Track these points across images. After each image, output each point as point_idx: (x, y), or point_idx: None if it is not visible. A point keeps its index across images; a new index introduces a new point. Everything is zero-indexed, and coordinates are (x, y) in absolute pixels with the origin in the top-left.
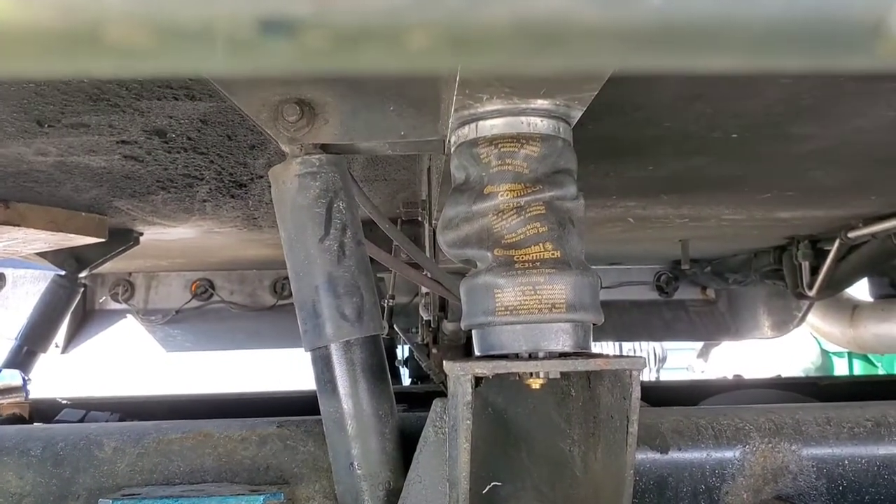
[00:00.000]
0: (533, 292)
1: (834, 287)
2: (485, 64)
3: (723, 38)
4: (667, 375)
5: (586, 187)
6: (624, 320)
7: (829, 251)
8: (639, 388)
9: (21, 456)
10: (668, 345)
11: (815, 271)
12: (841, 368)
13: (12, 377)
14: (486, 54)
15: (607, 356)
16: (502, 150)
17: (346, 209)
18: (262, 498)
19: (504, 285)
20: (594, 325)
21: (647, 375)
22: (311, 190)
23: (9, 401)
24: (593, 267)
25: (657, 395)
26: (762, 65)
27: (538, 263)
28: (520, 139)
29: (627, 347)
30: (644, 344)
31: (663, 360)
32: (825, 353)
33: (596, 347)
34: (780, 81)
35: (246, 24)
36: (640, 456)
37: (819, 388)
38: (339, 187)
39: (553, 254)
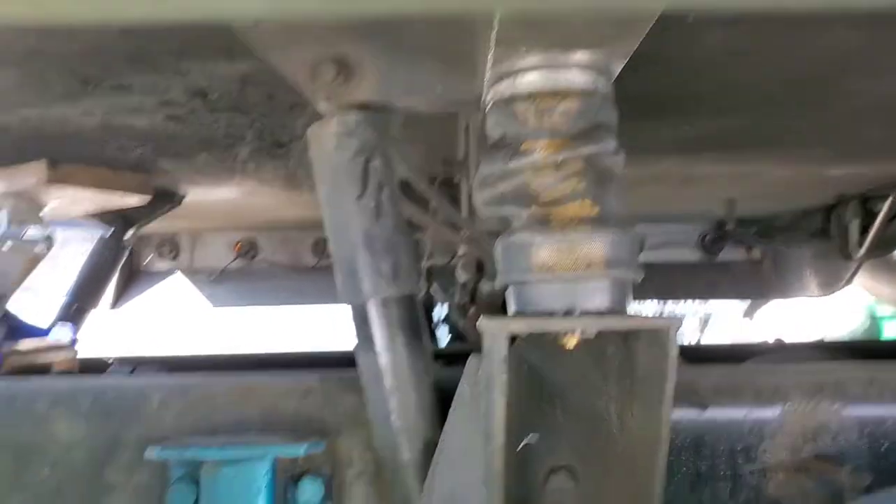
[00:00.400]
0: (569, 250)
1: (884, 247)
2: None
3: None
4: (710, 336)
5: (627, 145)
6: (667, 281)
7: (879, 210)
8: (676, 347)
9: (72, 407)
10: (712, 306)
11: (864, 231)
12: (892, 332)
13: (63, 333)
14: None
15: (644, 315)
16: (539, 105)
17: (383, 168)
18: (304, 447)
19: (540, 243)
20: (633, 283)
21: (690, 336)
22: (348, 149)
23: (60, 357)
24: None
25: (698, 356)
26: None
27: (575, 221)
28: (558, 94)
29: (670, 308)
30: (688, 305)
31: (706, 320)
32: (873, 318)
33: (638, 308)
34: (831, 32)
35: None
36: (677, 414)
37: (863, 352)
38: (376, 146)
39: (591, 210)
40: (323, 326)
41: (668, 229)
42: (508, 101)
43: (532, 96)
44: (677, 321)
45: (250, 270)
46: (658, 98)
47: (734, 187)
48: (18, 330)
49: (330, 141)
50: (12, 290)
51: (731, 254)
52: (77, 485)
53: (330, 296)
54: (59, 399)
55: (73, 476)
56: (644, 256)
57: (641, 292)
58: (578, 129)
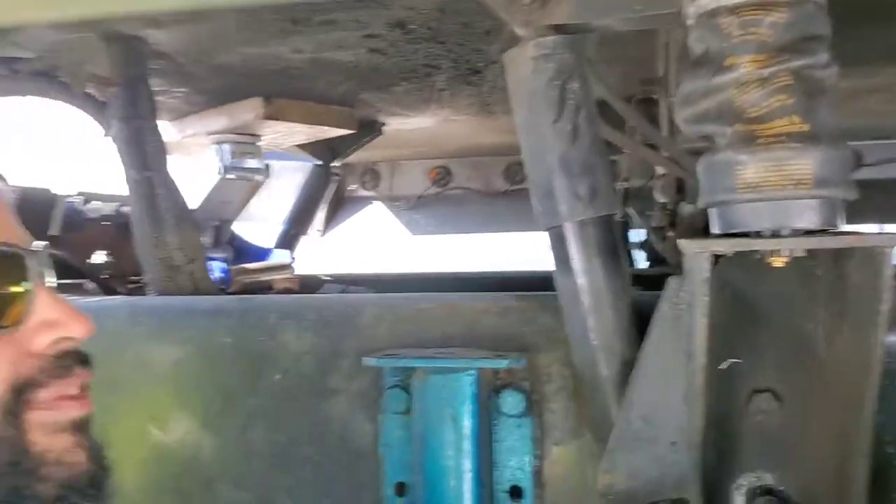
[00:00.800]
0: (777, 168)
1: None
2: None
3: None
4: None
5: (844, 54)
6: (889, 201)
7: None
8: (891, 266)
9: (298, 321)
10: None
11: None
12: None
13: (282, 256)
14: None
15: (857, 233)
16: (745, 18)
17: (579, 90)
18: (506, 362)
19: (746, 161)
20: (845, 201)
21: None
22: (544, 72)
23: (281, 276)
24: (854, 143)
25: None
26: None
27: (783, 137)
28: (765, 5)
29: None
30: None
31: None
32: None
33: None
34: None
35: None
36: (892, 338)
37: None
38: (572, 68)
39: (800, 127)
40: (515, 252)
41: (891, 144)
42: (712, 15)
43: (737, 8)
44: (892, 238)
45: (445, 197)
46: (881, 1)
47: None
48: (243, 251)
49: (527, 65)
50: (236, 216)
51: None
52: (304, 389)
53: (523, 222)
54: (288, 313)
55: (301, 381)
56: (863, 174)
57: (860, 215)
58: (787, 42)
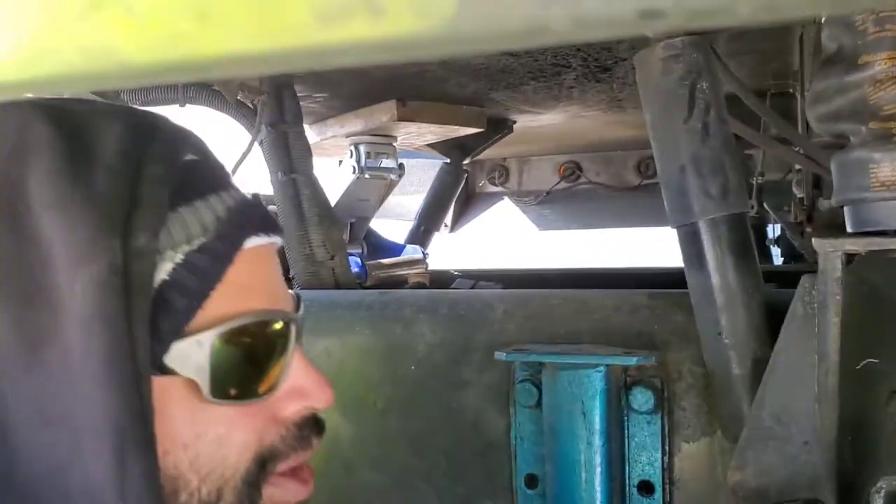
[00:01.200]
0: None
1: None
2: None
3: None
4: None
5: None
6: None
7: None
8: None
9: (432, 314)
10: None
11: None
12: None
13: (415, 251)
14: None
15: None
16: (881, 14)
17: (709, 89)
18: (635, 359)
19: (880, 160)
20: None
21: None
22: (674, 72)
23: (413, 271)
24: None
25: None
26: None
27: None
28: None
29: None
30: None
31: None
32: None
33: None
34: None
35: None
36: None
37: None
38: (702, 67)
39: None
40: (645, 247)
41: None
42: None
43: (867, 11)
44: None
45: (574, 192)
46: None
47: None
48: (378, 247)
49: (656, 66)
50: (373, 214)
51: None
52: (437, 379)
53: (654, 216)
54: (422, 307)
55: (434, 372)
56: None
57: None
58: None
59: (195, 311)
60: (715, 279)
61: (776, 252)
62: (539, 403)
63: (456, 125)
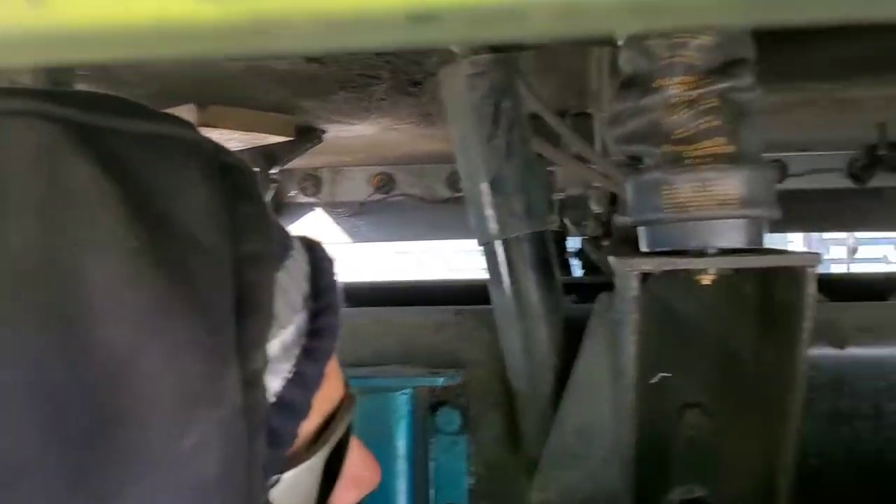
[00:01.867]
0: (703, 188)
1: None
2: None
3: None
4: (860, 267)
5: (772, 70)
6: (813, 210)
7: None
8: (814, 285)
9: None
10: (862, 235)
11: None
12: None
13: None
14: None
15: (781, 251)
16: (673, 40)
17: (513, 108)
18: (441, 379)
19: (673, 181)
20: (770, 220)
21: (839, 267)
22: (479, 90)
23: None
24: (781, 154)
25: (845, 287)
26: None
27: (710, 159)
28: (692, 28)
29: (815, 239)
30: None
31: (855, 250)
32: None
33: (780, 239)
34: None
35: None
36: (816, 352)
37: None
38: (506, 86)
39: (726, 148)
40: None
41: (817, 156)
42: (641, 37)
43: (665, 31)
44: (815, 258)
45: (388, 204)
46: None
47: (886, 111)
48: None
49: (461, 83)
50: None
51: (883, 180)
52: None
53: (465, 230)
54: None
55: None
56: (790, 184)
57: (787, 223)
58: (714, 64)
59: (298, 430)
60: (517, 296)
61: (576, 264)
62: None
63: (262, 133)
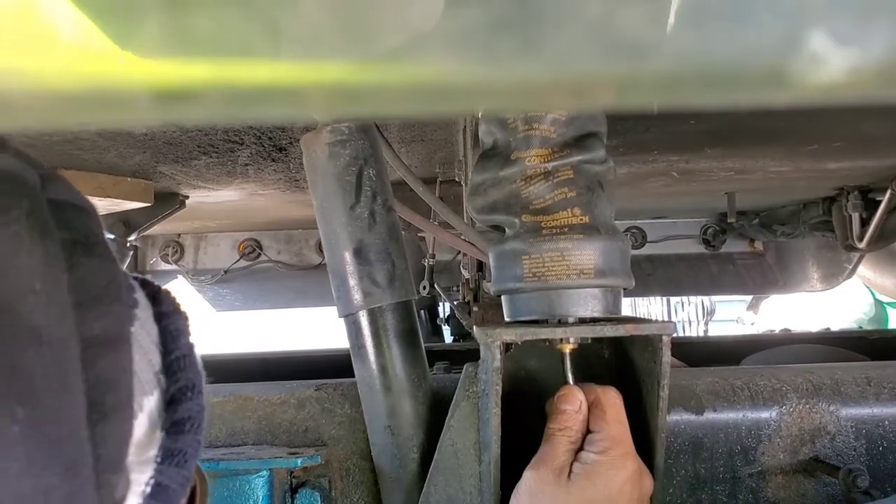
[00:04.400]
0: (561, 258)
1: (885, 239)
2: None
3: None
4: (716, 328)
5: (626, 142)
6: (670, 274)
7: (880, 202)
8: (669, 353)
9: None
10: (717, 297)
11: (865, 223)
12: None
13: None
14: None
15: (637, 320)
16: (529, 114)
17: (376, 176)
18: (300, 460)
19: (532, 252)
20: (624, 289)
21: (696, 328)
22: (341, 158)
23: None
24: (637, 221)
25: (701, 349)
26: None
27: (566, 229)
28: None
29: (675, 301)
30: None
31: (712, 312)
32: (879, 304)
33: (643, 303)
34: None
35: None
36: (674, 417)
37: (870, 342)
38: (369, 154)
39: (581, 219)
40: (329, 321)
41: (671, 223)
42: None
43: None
44: (670, 326)
45: (254, 271)
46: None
47: (735, 181)
48: None
49: (323, 151)
50: None
51: (733, 246)
52: None
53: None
54: None
55: None
56: (647, 250)
57: (645, 288)
58: (568, 138)
59: None
60: (380, 370)
61: (447, 330)
62: None
63: (118, 198)
